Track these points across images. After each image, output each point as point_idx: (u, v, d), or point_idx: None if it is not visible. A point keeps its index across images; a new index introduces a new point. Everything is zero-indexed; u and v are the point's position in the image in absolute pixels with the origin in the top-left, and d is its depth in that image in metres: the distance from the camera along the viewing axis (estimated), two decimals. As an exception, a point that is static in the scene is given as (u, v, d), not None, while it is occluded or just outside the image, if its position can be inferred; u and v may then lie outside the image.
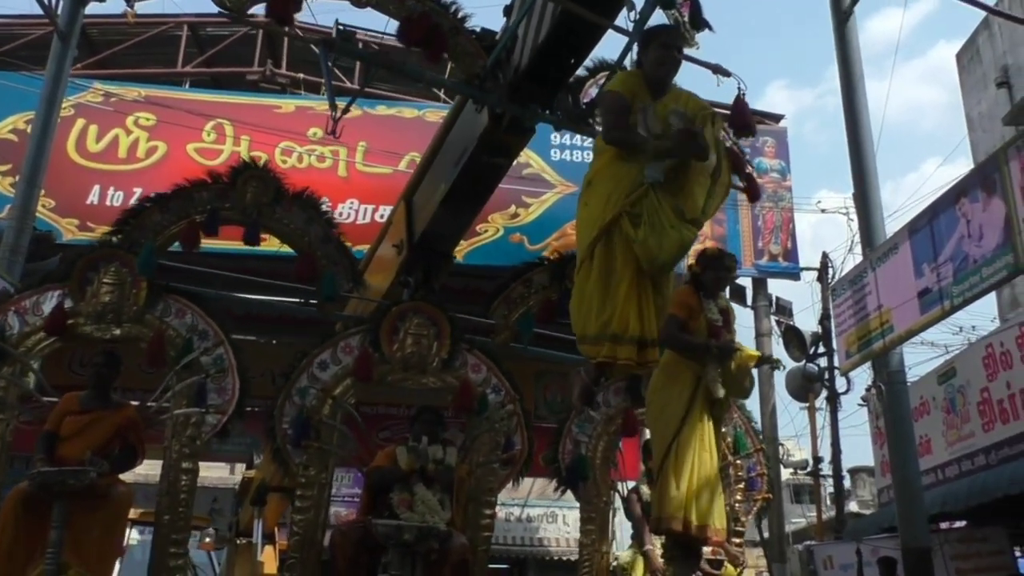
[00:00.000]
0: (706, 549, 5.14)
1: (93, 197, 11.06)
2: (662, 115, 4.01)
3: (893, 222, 8.28)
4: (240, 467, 15.76)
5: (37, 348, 5.48)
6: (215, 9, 4.77)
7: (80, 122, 11.42)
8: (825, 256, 15.09)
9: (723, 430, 5.86)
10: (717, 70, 5.08)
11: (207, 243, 6.23)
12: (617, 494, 5.76)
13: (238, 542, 9.72)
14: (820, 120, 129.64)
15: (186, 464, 5.38)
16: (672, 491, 4.65)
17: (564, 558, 17.49)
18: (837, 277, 12.60)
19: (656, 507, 4.89)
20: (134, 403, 5.55)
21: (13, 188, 10.74)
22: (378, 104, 13.05)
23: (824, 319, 14.06)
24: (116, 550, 5.15)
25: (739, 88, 4.70)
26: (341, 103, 5.11)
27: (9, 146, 11.19)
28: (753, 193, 5.30)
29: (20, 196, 8.81)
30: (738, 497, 5.86)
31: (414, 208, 6.35)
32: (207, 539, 9.55)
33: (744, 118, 4.69)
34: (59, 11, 8.91)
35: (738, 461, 5.91)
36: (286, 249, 6.05)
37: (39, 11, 9.20)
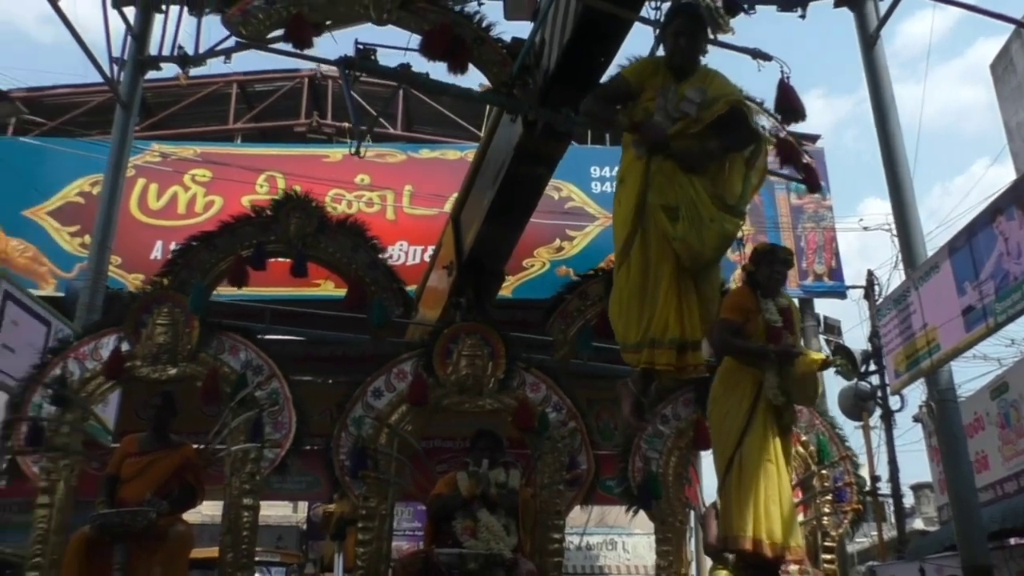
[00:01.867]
0: (792, 568, 4.73)
1: (156, 252, 11.23)
2: (682, 95, 3.74)
3: (944, 230, 8.39)
4: (303, 505, 16.26)
5: (97, 392, 5.39)
6: (263, 67, 4.74)
7: (141, 182, 11.65)
8: (870, 274, 14.90)
9: (805, 438, 5.50)
10: (756, 55, 4.82)
11: (257, 290, 6.13)
12: (693, 512, 5.37)
13: (323, 577, 9.58)
14: (860, 128, 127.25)
15: (247, 500, 5.18)
16: (737, 508, 4.34)
17: None
18: (884, 293, 12.21)
19: (722, 525, 4.57)
20: (193, 445, 5.43)
21: (83, 248, 11.00)
22: (421, 148, 13.13)
23: (873, 336, 13.68)
24: (181, 589, 4.92)
25: (782, 72, 4.43)
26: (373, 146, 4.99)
27: (77, 208, 11.46)
28: (812, 184, 4.99)
29: (93, 258, 9.04)
30: (826, 510, 5.41)
31: (461, 227, 6.16)
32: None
33: (790, 102, 4.42)
34: (119, 79, 9.09)
35: (823, 471, 5.48)
36: (335, 292, 5.86)
37: (97, 78, 9.40)
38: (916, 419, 13.31)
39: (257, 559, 10.29)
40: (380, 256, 5.68)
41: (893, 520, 14.71)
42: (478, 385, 5.37)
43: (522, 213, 5.68)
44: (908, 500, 16.83)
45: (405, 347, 5.62)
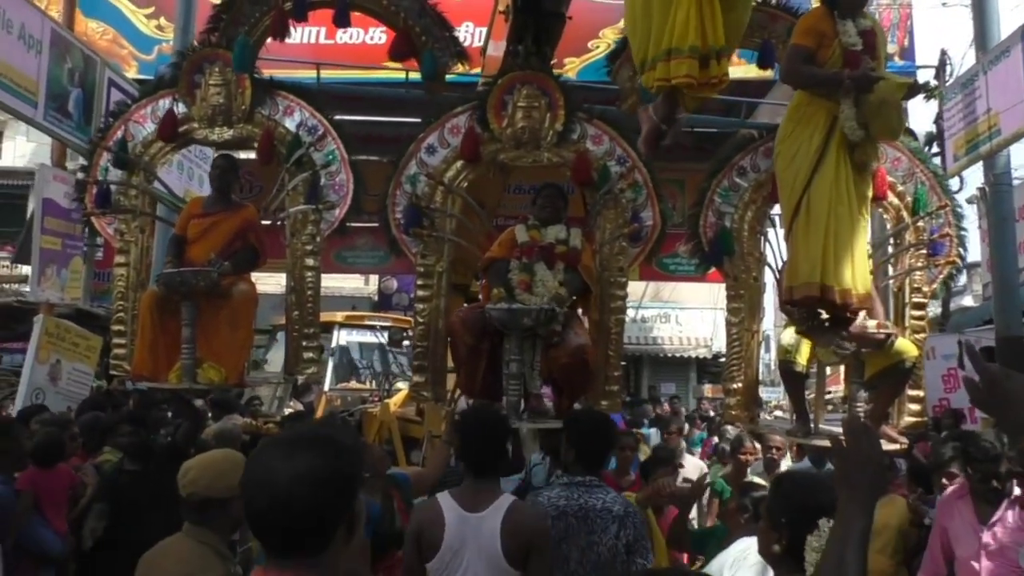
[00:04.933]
0: (871, 323, 4.46)
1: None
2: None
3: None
4: (374, 278, 18.01)
5: (159, 155, 5.56)
6: None
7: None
8: (943, 54, 13.15)
9: (901, 188, 5.02)
10: None
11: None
12: (769, 268, 5.09)
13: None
14: None
15: (309, 261, 5.37)
16: (804, 253, 4.07)
17: (676, 355, 19.87)
18: (956, 74, 11.10)
19: (787, 275, 4.34)
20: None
21: (159, 30, 11.14)
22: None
23: (938, 118, 12.41)
24: (245, 343, 5.28)
25: None
26: None
27: (149, -13, 11.48)
28: None
29: (178, 41, 9.16)
30: (919, 263, 4.99)
31: (517, -39, 5.68)
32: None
33: None
34: None
35: (919, 224, 4.99)
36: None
37: None
38: (970, 201, 12.76)
39: (370, 323, 11.13)
40: (429, 2, 5.32)
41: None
42: (535, 138, 5.13)
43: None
44: (961, 279, 16.44)
45: (461, 101, 5.36)
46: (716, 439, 8.93)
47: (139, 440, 4.99)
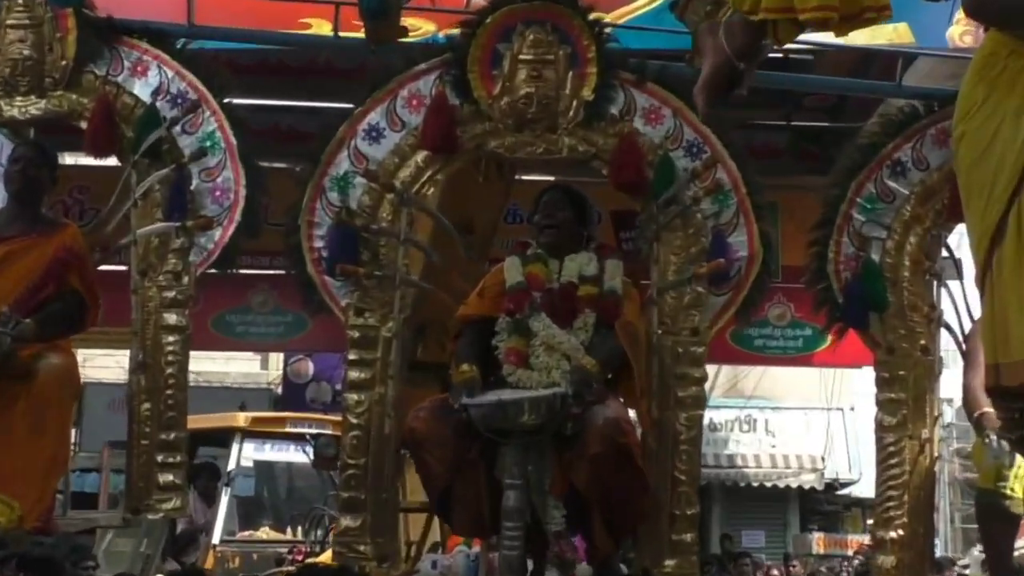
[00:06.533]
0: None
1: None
2: None
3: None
4: (277, 358, 12.14)
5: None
6: None
7: None
8: None
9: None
10: None
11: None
12: (949, 332, 3.34)
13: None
14: None
15: (171, 318, 3.61)
16: (1014, 310, 2.29)
17: (766, 484, 13.49)
18: None
19: (987, 344, 2.55)
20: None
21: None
22: None
23: None
24: (56, 457, 3.61)
25: None
26: None
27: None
28: None
29: None
30: None
31: None
32: None
33: None
34: None
35: None
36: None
37: None
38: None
39: (292, 430, 7.89)
40: None
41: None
42: (548, 113, 3.46)
43: None
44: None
45: (424, 58, 3.65)
46: None
47: None
